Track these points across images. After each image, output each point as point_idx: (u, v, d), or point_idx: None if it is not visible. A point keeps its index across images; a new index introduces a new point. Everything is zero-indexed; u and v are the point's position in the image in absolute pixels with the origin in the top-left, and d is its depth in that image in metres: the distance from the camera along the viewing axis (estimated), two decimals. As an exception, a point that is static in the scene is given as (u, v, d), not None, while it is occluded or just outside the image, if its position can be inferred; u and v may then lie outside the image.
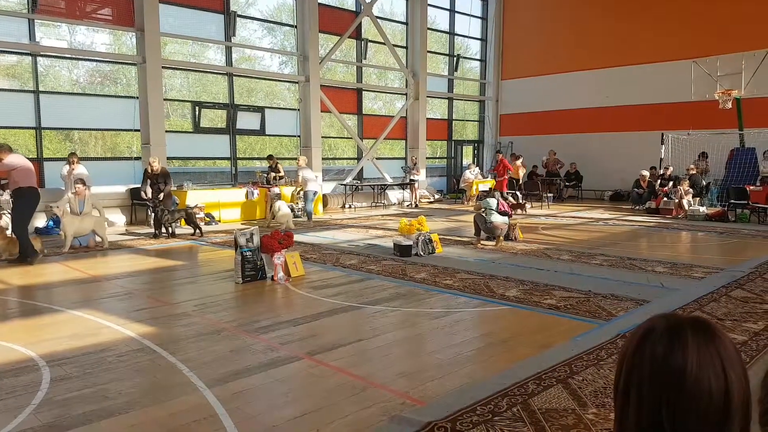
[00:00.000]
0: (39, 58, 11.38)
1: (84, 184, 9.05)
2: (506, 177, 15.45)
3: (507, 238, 9.30)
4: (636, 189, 14.87)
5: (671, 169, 14.75)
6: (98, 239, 9.03)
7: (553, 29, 18.81)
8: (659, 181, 14.49)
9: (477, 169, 17.09)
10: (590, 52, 17.89)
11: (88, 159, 11.81)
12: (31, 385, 3.61)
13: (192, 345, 4.43)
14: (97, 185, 11.32)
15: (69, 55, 11.90)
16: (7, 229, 9.67)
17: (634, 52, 16.89)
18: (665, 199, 13.64)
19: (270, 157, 13.72)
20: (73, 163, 10.39)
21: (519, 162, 16.76)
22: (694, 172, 13.97)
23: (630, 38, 17.01)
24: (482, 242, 9.16)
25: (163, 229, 9.91)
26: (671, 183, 14.07)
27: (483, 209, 9.06)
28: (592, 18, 17.89)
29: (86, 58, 12.19)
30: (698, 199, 13.38)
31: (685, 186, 13.07)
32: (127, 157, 12.63)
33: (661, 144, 15.08)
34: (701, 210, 12.59)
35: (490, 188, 12.95)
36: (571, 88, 18.41)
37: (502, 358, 4.13)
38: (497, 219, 8.96)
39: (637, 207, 14.46)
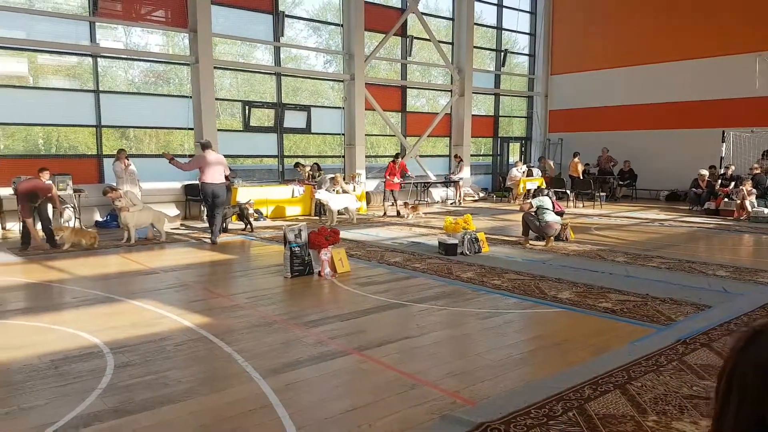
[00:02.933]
0: (98, 59, 11.86)
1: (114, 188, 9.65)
2: (401, 181, 13.59)
3: (558, 238, 9.08)
4: (694, 189, 14.26)
5: (733, 168, 14.06)
6: (156, 232, 9.37)
7: (606, 23, 18.23)
8: (719, 180, 13.84)
9: (524, 167, 16.76)
10: (645, 46, 17.23)
11: (143, 156, 12.27)
12: (96, 371, 3.78)
13: (246, 336, 4.54)
14: (153, 181, 11.77)
15: (128, 56, 12.36)
16: (69, 220, 10.21)
17: (693, 46, 16.17)
18: (726, 199, 13.02)
19: (297, 165, 13.84)
20: (124, 159, 10.80)
21: (577, 159, 16.39)
22: (758, 171, 13.26)
23: (688, 31, 16.30)
24: (531, 242, 8.98)
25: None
26: (733, 183, 13.42)
27: (534, 208, 8.86)
28: (646, 10, 17.22)
29: (144, 58, 12.64)
30: (762, 200, 12.71)
31: (747, 186, 12.43)
32: (181, 154, 12.98)
33: (722, 142, 14.40)
34: (766, 212, 11.95)
35: (539, 186, 12.68)
36: (625, 83, 17.80)
37: (556, 362, 4.04)
38: (552, 218, 8.75)
39: (695, 208, 13.86)
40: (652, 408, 3.25)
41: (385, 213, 13.11)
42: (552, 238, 8.85)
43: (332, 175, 12.52)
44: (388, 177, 13.18)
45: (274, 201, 12.69)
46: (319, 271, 6.73)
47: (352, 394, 3.49)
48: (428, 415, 3.17)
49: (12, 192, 9.22)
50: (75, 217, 10.43)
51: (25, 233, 8.40)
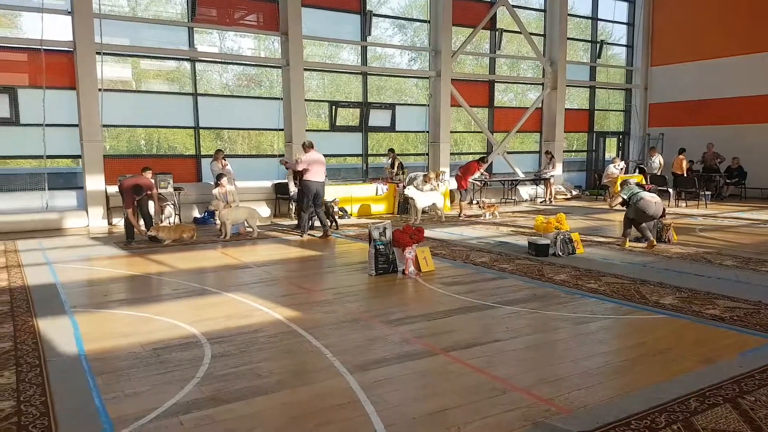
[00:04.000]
0: (195, 63, 12.55)
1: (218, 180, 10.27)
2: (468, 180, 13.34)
3: (660, 240, 8.51)
4: (816, 187, 12.81)
5: None
6: (249, 228, 9.81)
7: (711, 9, 16.78)
8: None
9: (622, 164, 15.76)
10: (757, 33, 15.69)
11: (236, 156, 12.88)
12: (195, 360, 3.99)
13: (333, 331, 4.62)
14: (245, 180, 12.32)
15: (226, 60, 13.02)
16: (170, 217, 10.92)
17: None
18: None
19: (391, 151, 13.98)
20: (221, 159, 11.44)
21: (682, 156, 15.28)
22: None
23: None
24: (630, 243, 8.46)
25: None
26: None
27: (626, 198, 8.32)
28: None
29: (240, 62, 13.27)
30: None
31: None
32: (272, 154, 13.49)
33: None
34: None
35: (638, 184, 11.87)
36: (733, 73, 16.32)
37: (658, 371, 3.75)
38: (646, 194, 8.17)
39: (818, 208, 12.45)
40: (769, 427, 2.96)
41: (463, 213, 12.67)
42: (654, 240, 8.26)
43: (424, 173, 12.44)
44: (461, 174, 12.91)
45: (358, 199, 12.87)
46: (404, 270, 6.73)
47: (440, 395, 3.43)
48: (521, 422, 3.04)
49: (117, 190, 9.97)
50: (175, 214, 11.14)
51: (128, 226, 9.07)
